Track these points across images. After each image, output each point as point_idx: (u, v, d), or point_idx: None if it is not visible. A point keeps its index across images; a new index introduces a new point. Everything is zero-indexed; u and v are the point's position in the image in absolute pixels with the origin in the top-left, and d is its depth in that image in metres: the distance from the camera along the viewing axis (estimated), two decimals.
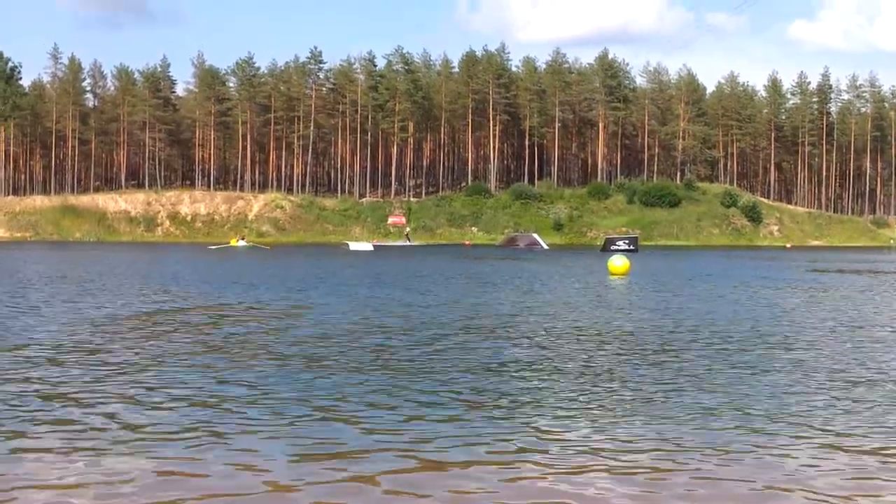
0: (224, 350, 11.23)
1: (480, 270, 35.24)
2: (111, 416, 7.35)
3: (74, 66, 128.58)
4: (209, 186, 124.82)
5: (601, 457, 6.26)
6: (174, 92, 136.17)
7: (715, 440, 6.74)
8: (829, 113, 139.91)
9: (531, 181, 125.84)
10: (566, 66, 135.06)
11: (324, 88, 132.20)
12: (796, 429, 7.14)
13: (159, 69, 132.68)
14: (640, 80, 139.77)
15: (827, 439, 6.83)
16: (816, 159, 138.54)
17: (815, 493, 5.56)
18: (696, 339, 12.81)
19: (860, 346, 12.36)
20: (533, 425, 7.16)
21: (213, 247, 72.20)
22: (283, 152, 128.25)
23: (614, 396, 8.40)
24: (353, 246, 71.63)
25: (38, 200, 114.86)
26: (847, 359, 11.03)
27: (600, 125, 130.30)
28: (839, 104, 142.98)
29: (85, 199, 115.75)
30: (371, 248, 71.25)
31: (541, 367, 10.07)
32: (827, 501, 5.43)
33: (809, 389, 8.89)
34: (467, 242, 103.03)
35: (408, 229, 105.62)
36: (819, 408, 7.98)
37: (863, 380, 9.48)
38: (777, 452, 6.43)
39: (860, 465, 6.18)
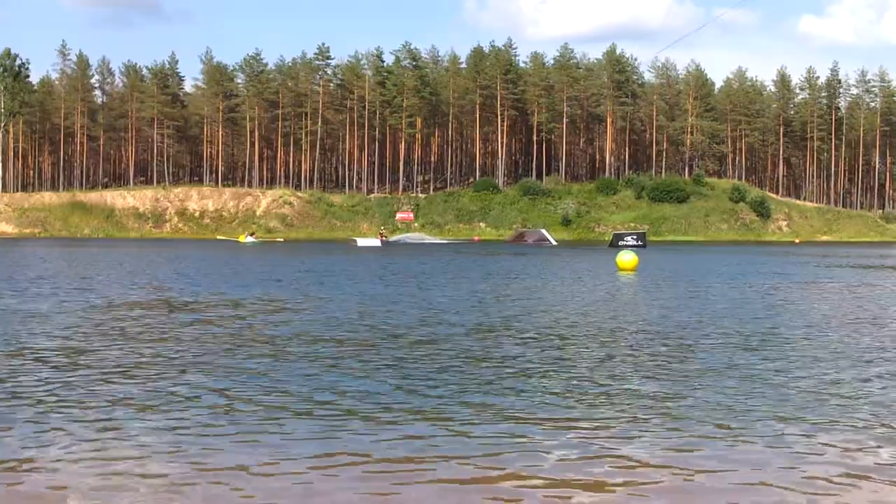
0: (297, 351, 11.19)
1: (492, 266, 35.17)
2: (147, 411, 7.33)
3: (82, 63, 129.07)
4: (217, 182, 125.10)
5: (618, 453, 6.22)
6: (182, 88, 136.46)
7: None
8: (837, 108, 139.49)
9: (539, 177, 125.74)
10: (574, 61, 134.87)
11: (331, 84, 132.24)
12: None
13: (167, 66, 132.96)
14: (649, 76, 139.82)
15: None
16: (825, 154, 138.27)
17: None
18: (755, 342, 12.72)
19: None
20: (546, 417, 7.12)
21: (221, 237, 72.84)
22: (291, 148, 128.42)
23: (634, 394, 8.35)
24: (361, 242, 71.92)
25: (47, 197, 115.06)
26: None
27: (608, 120, 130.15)
28: (848, 99, 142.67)
29: (93, 196, 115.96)
30: (379, 243, 71.43)
31: (556, 363, 10.02)
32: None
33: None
34: (476, 238, 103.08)
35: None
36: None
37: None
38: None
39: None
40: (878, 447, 6.39)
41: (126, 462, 5.88)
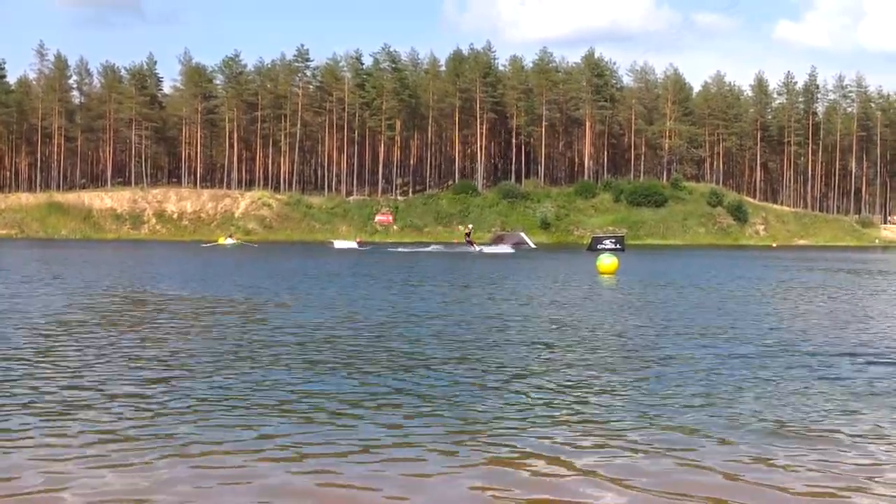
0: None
1: (474, 269, 35.19)
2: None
3: (60, 63, 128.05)
4: (196, 184, 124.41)
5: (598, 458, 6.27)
6: (160, 89, 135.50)
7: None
8: (815, 113, 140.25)
9: (518, 180, 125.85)
10: (553, 65, 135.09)
11: (311, 86, 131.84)
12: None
13: (146, 66, 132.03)
14: (627, 80, 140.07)
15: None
16: (802, 159, 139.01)
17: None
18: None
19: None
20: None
21: (205, 244, 72.47)
22: (270, 150, 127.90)
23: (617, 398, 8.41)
24: (338, 244, 72.22)
25: (24, 198, 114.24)
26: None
27: (587, 124, 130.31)
28: (825, 104, 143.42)
29: (71, 197, 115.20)
30: (356, 246, 71.68)
31: (547, 368, 10.07)
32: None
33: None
34: (455, 241, 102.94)
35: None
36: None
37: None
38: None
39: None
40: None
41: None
